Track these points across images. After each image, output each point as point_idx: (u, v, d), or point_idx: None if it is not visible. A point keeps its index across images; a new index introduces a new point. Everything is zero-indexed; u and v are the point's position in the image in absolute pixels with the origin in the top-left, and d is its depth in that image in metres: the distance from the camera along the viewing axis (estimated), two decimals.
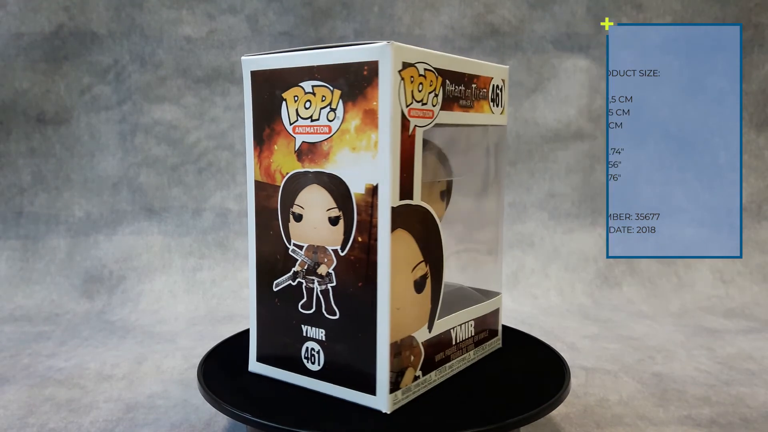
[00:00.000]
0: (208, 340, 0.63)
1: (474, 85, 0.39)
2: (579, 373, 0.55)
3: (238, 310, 0.74)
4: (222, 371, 0.41)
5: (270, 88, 0.38)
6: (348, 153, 0.35)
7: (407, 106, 0.34)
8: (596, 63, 0.85)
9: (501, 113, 0.43)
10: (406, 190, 0.34)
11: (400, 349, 0.35)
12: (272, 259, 0.39)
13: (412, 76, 0.34)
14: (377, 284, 0.34)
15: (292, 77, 0.37)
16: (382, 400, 0.35)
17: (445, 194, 0.45)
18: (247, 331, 0.49)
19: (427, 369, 0.37)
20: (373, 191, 0.34)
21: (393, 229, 0.34)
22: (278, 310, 0.39)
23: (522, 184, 0.86)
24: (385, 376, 0.35)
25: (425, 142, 0.41)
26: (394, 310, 0.34)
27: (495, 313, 0.45)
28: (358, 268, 0.35)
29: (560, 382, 0.39)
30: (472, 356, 0.42)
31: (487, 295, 0.45)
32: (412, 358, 0.36)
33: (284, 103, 0.37)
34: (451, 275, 0.48)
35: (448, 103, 0.37)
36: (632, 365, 0.57)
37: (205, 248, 0.82)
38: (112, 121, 0.83)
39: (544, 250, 0.84)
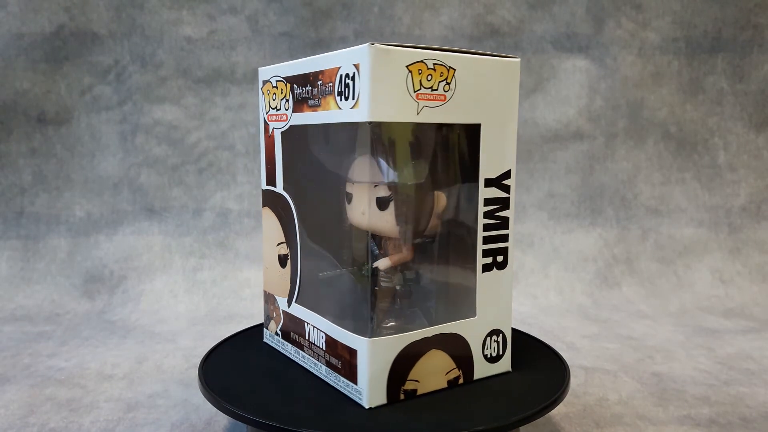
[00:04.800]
0: (209, 340, 0.63)
1: (320, 82, 0.36)
2: (579, 372, 0.55)
3: (239, 310, 0.74)
4: (222, 371, 0.41)
5: None
6: None
7: (266, 113, 0.43)
8: (596, 63, 0.85)
9: (353, 107, 0.33)
10: (270, 179, 0.43)
11: (267, 299, 0.45)
12: None
13: (268, 90, 0.42)
14: None
15: None
16: None
17: (385, 203, 0.36)
18: (246, 331, 0.49)
19: (285, 336, 0.43)
20: None
21: (263, 205, 0.45)
22: None
23: (522, 184, 0.86)
24: None
25: (380, 144, 0.39)
26: (264, 267, 0.45)
27: (361, 359, 0.34)
28: None
29: (560, 381, 0.39)
30: (323, 372, 0.38)
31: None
32: (275, 314, 0.44)
33: None
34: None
35: (299, 105, 0.39)
36: (632, 365, 0.57)
37: (206, 248, 0.82)
38: (113, 122, 0.83)
39: (543, 250, 0.84)
